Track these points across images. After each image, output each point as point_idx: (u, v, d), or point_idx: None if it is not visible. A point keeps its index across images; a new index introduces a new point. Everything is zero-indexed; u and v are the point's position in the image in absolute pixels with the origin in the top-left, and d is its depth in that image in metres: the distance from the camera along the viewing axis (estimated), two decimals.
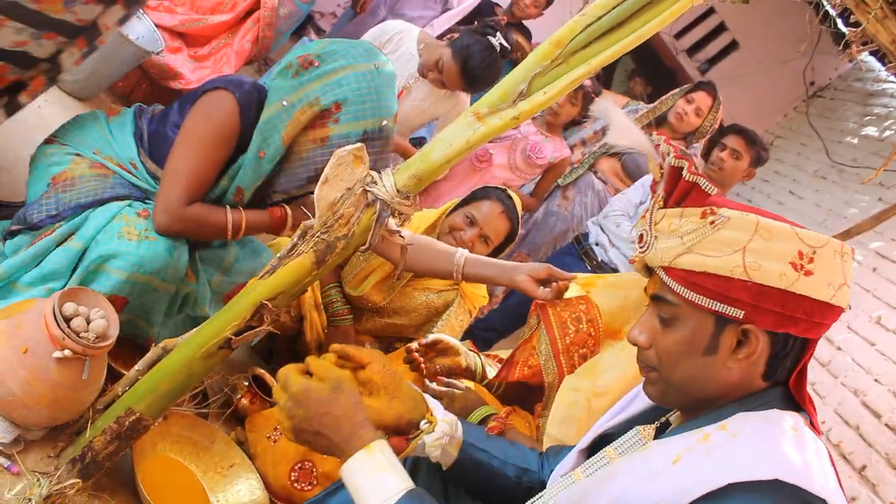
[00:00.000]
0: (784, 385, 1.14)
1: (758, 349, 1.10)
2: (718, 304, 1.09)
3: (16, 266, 1.83)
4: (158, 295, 1.92)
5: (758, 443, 1.02)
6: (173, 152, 1.92)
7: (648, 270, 1.22)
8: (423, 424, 1.38)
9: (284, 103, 1.93)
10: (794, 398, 1.13)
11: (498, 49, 2.94)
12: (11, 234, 1.89)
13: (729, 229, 1.09)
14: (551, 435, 1.75)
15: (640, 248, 1.20)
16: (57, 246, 1.84)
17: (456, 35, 3.04)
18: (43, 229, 1.85)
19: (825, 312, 1.08)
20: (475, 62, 2.92)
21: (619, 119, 1.25)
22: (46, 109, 2.83)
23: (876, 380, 3.29)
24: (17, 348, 1.55)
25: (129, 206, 1.90)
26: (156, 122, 2.08)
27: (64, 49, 2.08)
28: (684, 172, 1.13)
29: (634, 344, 1.22)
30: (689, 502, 0.99)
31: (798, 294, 1.06)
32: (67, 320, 1.59)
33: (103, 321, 1.65)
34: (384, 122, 1.97)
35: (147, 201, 1.98)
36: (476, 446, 1.46)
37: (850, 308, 1.12)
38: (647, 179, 3.54)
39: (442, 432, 1.40)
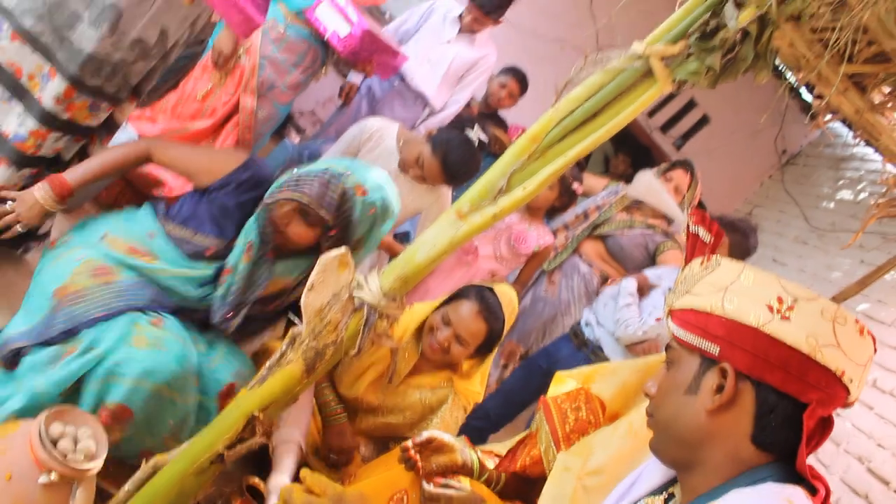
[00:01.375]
0: (787, 461, 1.11)
1: (732, 390, 1.10)
2: (699, 339, 1.14)
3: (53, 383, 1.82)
4: (167, 406, 1.89)
5: None
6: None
7: None
8: None
9: None
10: (797, 473, 1.11)
11: (477, 143, 2.99)
12: (17, 355, 1.89)
13: (718, 272, 1.17)
14: None
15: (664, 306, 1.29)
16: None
17: (434, 131, 3.10)
18: (61, 344, 1.86)
19: (805, 366, 1.07)
20: (455, 157, 2.96)
21: (650, 182, 1.42)
22: None
23: (879, 444, 3.26)
24: (1, 475, 1.51)
25: (144, 314, 1.94)
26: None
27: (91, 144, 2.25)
28: (690, 225, 1.24)
29: (646, 395, 1.26)
30: None
31: (770, 336, 1.08)
32: (54, 442, 1.56)
33: (92, 441, 1.61)
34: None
35: (160, 311, 2.00)
36: None
37: (850, 381, 1.10)
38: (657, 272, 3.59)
39: None
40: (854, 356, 1.09)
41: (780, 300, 1.09)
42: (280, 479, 1.93)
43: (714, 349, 1.12)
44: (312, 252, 2.21)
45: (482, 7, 4.00)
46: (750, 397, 1.10)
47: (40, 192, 2.04)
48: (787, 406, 1.09)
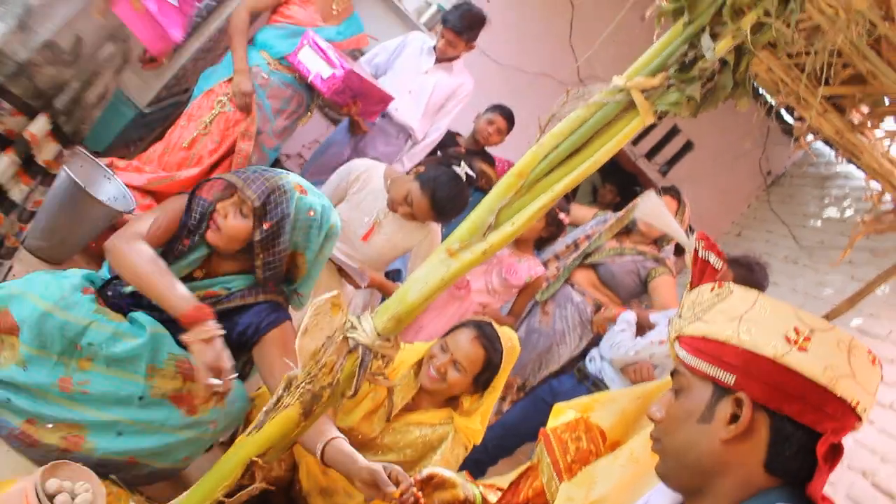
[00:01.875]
0: (796, 485, 1.11)
1: (748, 421, 1.09)
2: (713, 367, 1.12)
3: None
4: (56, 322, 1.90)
5: None
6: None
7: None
8: None
9: None
10: (805, 497, 1.10)
11: (464, 178, 3.02)
12: None
13: (731, 300, 1.16)
14: None
15: (669, 331, 1.27)
16: None
17: (422, 168, 3.13)
18: None
19: (823, 398, 1.07)
20: (443, 193, 2.98)
21: (657, 205, 1.43)
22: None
23: (882, 459, 3.25)
24: None
25: None
26: None
27: None
28: (699, 249, 1.23)
29: (651, 419, 1.24)
30: None
31: (787, 367, 1.07)
32: (51, 497, 1.54)
33: (89, 495, 1.60)
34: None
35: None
36: None
37: (863, 411, 1.11)
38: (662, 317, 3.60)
39: None
40: (867, 386, 1.10)
41: (797, 331, 1.09)
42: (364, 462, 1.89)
43: (729, 378, 1.11)
44: (245, 271, 2.23)
45: (454, 28, 4.04)
46: (765, 427, 1.10)
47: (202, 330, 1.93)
48: (802, 436, 1.09)
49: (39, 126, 2.26)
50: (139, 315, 2.03)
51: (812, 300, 4.83)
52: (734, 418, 1.11)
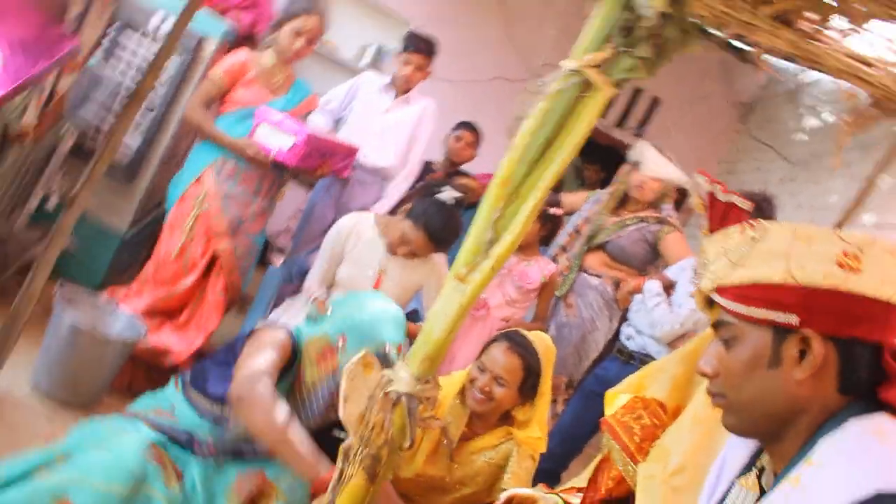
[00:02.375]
0: (864, 395, 1.09)
1: (822, 357, 1.06)
2: (772, 312, 1.09)
3: None
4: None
5: (845, 463, 0.99)
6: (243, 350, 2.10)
7: (709, 303, 1.22)
8: None
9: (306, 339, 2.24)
10: (877, 402, 1.07)
11: (452, 202, 3.03)
12: None
13: (769, 240, 1.11)
14: None
15: (695, 280, 1.23)
16: None
17: (409, 206, 3.14)
18: None
19: (886, 312, 1.05)
20: (437, 224, 3.00)
21: (651, 155, 1.40)
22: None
23: None
24: None
25: None
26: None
27: None
28: (718, 194, 1.19)
29: (703, 375, 1.21)
30: None
31: (849, 292, 1.05)
32: None
33: None
34: (387, 348, 2.17)
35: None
36: None
37: None
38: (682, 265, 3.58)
39: None
40: None
41: (846, 254, 1.06)
42: None
43: (793, 319, 1.07)
44: None
45: (422, 50, 4.05)
46: (834, 354, 1.07)
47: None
48: (870, 353, 1.07)
49: None
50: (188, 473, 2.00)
51: (820, 211, 4.82)
52: (802, 355, 1.08)
